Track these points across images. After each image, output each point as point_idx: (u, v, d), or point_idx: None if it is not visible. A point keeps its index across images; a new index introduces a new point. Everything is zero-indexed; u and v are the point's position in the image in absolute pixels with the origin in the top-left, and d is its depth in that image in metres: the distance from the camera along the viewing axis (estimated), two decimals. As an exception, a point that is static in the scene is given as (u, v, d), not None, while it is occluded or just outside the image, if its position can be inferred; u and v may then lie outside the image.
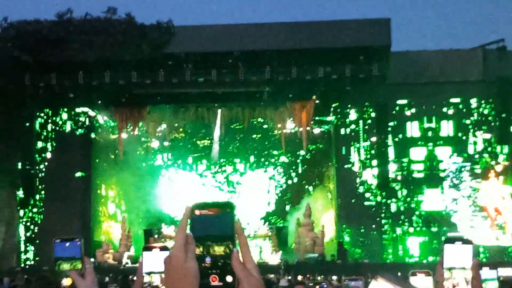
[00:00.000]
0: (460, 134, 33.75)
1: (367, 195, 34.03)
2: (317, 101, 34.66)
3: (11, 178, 32.80)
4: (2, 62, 30.48)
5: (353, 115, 34.56)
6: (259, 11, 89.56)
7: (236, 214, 1.99)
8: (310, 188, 38.21)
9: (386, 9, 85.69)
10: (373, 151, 34.20)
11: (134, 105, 35.42)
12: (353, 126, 34.56)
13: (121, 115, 35.99)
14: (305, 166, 38.87)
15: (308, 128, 35.66)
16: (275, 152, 39.30)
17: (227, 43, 31.63)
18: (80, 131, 35.35)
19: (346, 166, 34.47)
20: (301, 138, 36.12)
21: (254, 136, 38.98)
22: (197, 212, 1.97)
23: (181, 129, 38.70)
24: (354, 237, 33.52)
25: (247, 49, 31.55)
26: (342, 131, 34.72)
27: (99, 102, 34.72)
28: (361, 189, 34.06)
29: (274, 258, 32.37)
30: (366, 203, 33.91)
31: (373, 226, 33.60)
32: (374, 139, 34.12)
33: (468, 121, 33.63)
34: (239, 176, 39.87)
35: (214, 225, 1.94)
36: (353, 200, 33.99)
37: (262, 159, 39.63)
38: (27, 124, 33.07)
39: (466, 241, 3.02)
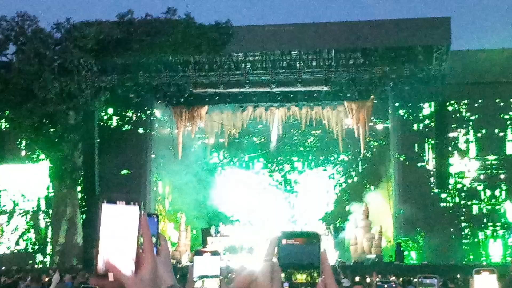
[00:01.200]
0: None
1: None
2: (375, 101, 34.45)
3: (73, 176, 33.42)
4: (65, 63, 31.12)
5: (426, 109, 33.35)
6: (317, 10, 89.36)
7: (322, 245, 2.03)
8: (372, 187, 37.02)
9: (446, 7, 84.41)
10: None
11: (193, 105, 35.77)
12: (427, 122, 33.33)
13: (180, 115, 36.37)
14: (366, 165, 37.83)
15: (368, 126, 35.28)
16: (334, 150, 38.19)
17: (285, 43, 31.66)
18: (127, 127, 35.42)
19: (419, 164, 33.33)
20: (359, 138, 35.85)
21: (313, 132, 38.20)
22: (284, 241, 1.98)
23: (239, 126, 38.36)
24: (427, 240, 32.32)
25: (305, 48, 31.57)
26: (415, 126, 33.49)
27: (159, 102, 35.15)
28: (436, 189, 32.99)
29: (330, 259, 32.24)
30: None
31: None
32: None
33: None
34: (297, 174, 39.15)
35: (300, 254, 1.97)
36: (427, 201, 32.76)
37: (321, 157, 38.71)
38: (89, 123, 33.65)
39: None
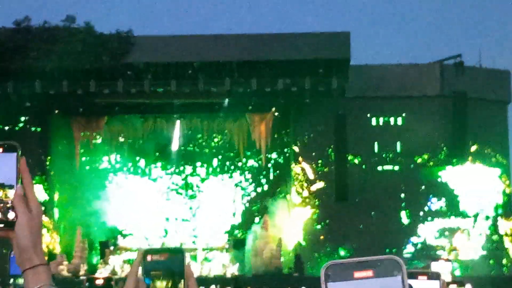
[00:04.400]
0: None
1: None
2: (276, 113, 34.68)
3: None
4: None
5: (326, 121, 33.44)
6: (220, 22, 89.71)
7: (187, 258, 2.03)
8: (282, 196, 35.36)
9: (346, 23, 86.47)
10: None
11: (92, 115, 35.01)
12: (326, 134, 33.40)
13: (78, 125, 35.48)
14: (278, 172, 36.13)
15: (269, 138, 35.19)
16: (237, 159, 36.38)
17: (187, 54, 31.56)
18: (21, 137, 33.98)
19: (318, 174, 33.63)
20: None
21: (216, 140, 36.44)
22: (148, 257, 1.97)
23: (139, 137, 36.46)
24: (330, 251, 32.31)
25: (207, 60, 31.53)
26: (312, 138, 33.68)
27: (56, 111, 34.26)
28: None
29: (230, 271, 32.21)
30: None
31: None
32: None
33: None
34: (200, 182, 36.71)
35: (164, 267, 1.97)
36: (329, 211, 33.24)
37: (228, 163, 36.58)
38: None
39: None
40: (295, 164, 33.95)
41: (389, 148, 34.11)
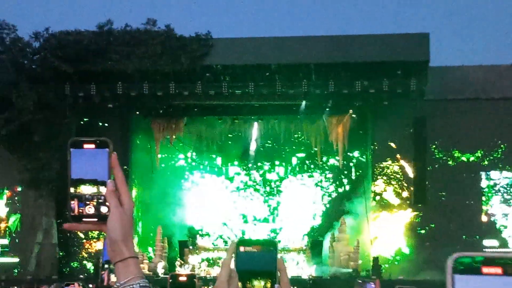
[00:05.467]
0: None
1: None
2: (353, 115, 34.46)
3: (50, 186, 33.09)
4: (43, 72, 30.95)
5: (405, 124, 33.07)
6: (297, 24, 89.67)
7: (279, 252, 2.06)
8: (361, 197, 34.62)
9: (425, 23, 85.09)
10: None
11: (172, 116, 35.58)
12: (405, 136, 32.93)
13: (158, 126, 36.16)
14: (360, 171, 35.51)
15: (347, 140, 34.89)
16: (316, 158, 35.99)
17: (264, 56, 31.69)
18: (106, 136, 34.38)
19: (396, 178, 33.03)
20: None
21: (295, 136, 36.36)
22: (241, 248, 2.01)
23: (217, 138, 37.00)
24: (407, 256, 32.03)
25: (285, 62, 31.59)
26: (394, 140, 33.18)
27: (137, 112, 34.96)
28: None
29: (307, 272, 32.20)
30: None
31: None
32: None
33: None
34: (279, 181, 36.82)
35: (257, 261, 2.00)
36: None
37: (307, 162, 36.47)
38: (67, 132, 33.35)
39: None
40: (392, 162, 33.43)
41: (471, 150, 33.45)
